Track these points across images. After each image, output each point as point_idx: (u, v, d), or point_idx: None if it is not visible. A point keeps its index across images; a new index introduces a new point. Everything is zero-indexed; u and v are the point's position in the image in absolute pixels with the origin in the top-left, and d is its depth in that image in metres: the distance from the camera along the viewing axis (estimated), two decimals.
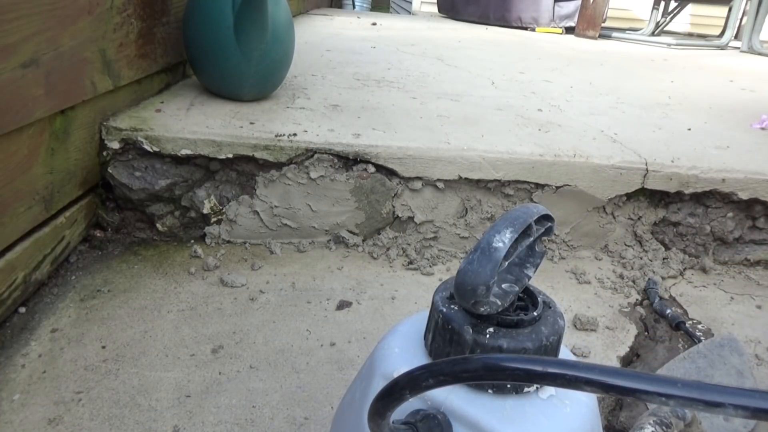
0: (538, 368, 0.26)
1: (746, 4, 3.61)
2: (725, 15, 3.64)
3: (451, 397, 0.36)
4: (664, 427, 0.59)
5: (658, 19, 3.56)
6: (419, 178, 0.98)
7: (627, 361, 0.80)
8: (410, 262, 0.97)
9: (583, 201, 1.02)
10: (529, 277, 0.38)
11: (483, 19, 3.90)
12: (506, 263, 0.35)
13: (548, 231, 0.38)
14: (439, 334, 0.37)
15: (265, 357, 0.72)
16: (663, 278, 0.99)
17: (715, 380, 0.73)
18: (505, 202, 1.01)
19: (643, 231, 1.06)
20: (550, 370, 0.26)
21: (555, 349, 0.37)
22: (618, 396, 0.25)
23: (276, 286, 0.88)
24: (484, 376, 0.27)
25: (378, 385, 0.38)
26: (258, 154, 0.93)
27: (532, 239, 0.37)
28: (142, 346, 0.72)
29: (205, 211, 0.95)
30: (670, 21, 3.64)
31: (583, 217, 1.04)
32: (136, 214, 0.97)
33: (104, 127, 0.91)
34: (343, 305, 0.84)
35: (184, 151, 0.92)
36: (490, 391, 0.35)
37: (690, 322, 0.88)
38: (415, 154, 0.97)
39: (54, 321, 0.75)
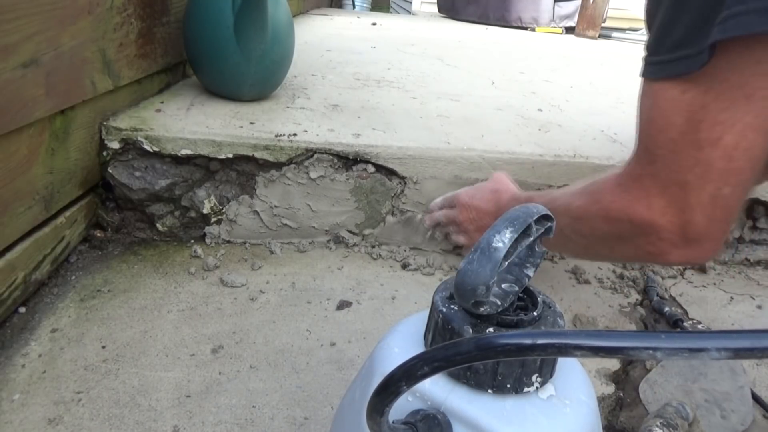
0: (528, 341, 0.27)
1: None
2: None
3: (451, 397, 0.36)
4: (670, 429, 0.59)
5: None
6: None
7: (627, 361, 0.80)
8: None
9: None
10: (529, 277, 0.38)
11: (483, 19, 3.91)
12: (506, 263, 0.35)
13: (548, 231, 0.38)
14: (439, 334, 0.37)
15: (265, 357, 0.72)
16: (663, 278, 0.99)
17: (708, 378, 0.73)
18: None
19: None
20: (540, 341, 0.26)
21: None
22: (608, 356, 0.26)
23: (276, 286, 0.88)
24: (477, 357, 0.28)
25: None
26: (258, 154, 0.93)
27: (531, 239, 0.37)
28: (142, 346, 0.72)
29: (205, 211, 0.95)
30: None
31: None
32: (136, 214, 0.97)
33: (104, 127, 0.91)
34: (343, 305, 0.84)
35: (184, 151, 0.92)
36: (490, 391, 0.35)
37: (690, 321, 0.88)
38: (415, 154, 0.97)
39: (54, 321, 0.75)
